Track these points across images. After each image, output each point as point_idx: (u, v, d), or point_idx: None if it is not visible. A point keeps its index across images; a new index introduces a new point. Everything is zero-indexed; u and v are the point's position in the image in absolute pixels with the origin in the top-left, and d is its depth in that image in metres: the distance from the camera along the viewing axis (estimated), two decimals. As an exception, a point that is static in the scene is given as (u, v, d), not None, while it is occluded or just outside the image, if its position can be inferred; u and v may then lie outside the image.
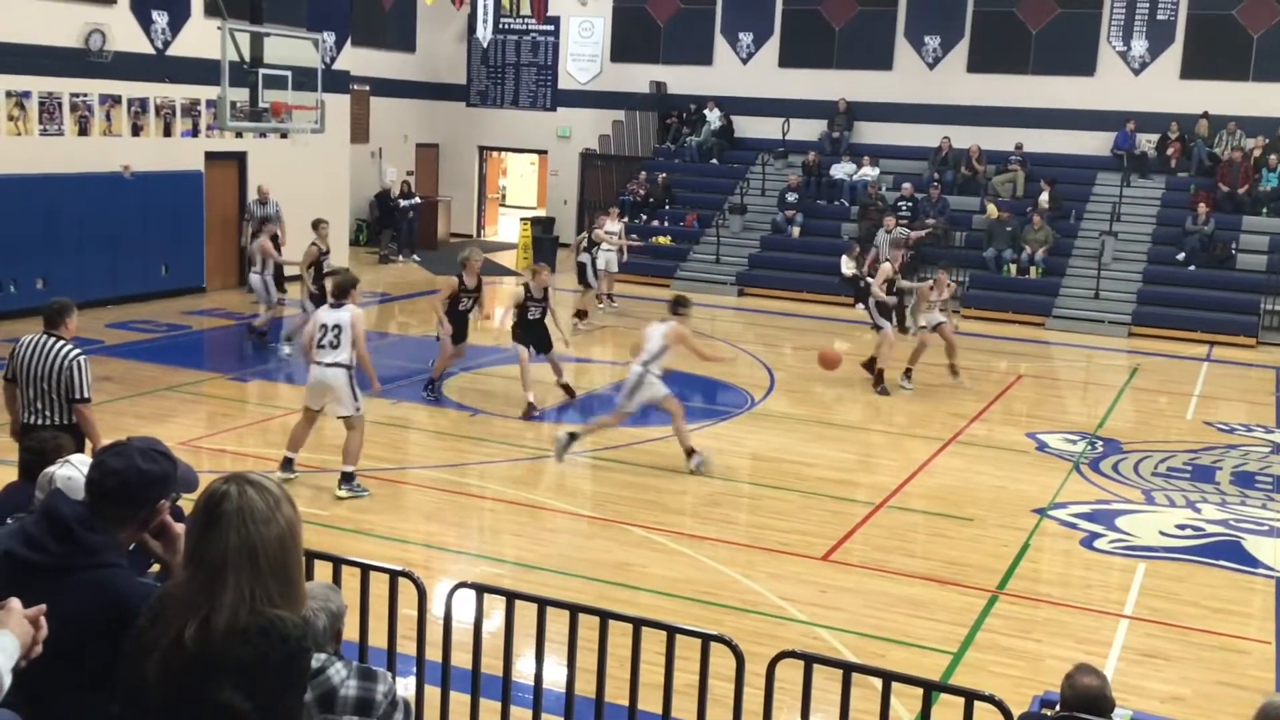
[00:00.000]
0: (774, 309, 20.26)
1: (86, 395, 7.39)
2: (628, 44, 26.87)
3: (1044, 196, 21.78)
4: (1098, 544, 9.39)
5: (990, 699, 4.50)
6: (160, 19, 18.27)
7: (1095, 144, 23.09)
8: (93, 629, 2.80)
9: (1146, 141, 22.65)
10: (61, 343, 7.38)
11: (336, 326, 9.47)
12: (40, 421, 7.24)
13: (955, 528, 9.68)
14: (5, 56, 15.96)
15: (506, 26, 27.16)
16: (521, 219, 26.09)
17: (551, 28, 27.23)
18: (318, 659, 2.77)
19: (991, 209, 21.79)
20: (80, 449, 6.33)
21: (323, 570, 5.28)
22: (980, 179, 22.93)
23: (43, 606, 2.62)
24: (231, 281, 19.52)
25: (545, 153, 28.60)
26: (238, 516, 2.52)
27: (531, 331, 12.85)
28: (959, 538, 9.43)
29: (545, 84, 27.89)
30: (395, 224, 24.93)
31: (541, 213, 28.87)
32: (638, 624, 5.07)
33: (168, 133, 18.60)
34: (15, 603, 2.58)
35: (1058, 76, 23.22)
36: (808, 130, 24.85)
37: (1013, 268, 21.01)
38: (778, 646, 5.33)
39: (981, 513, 10.00)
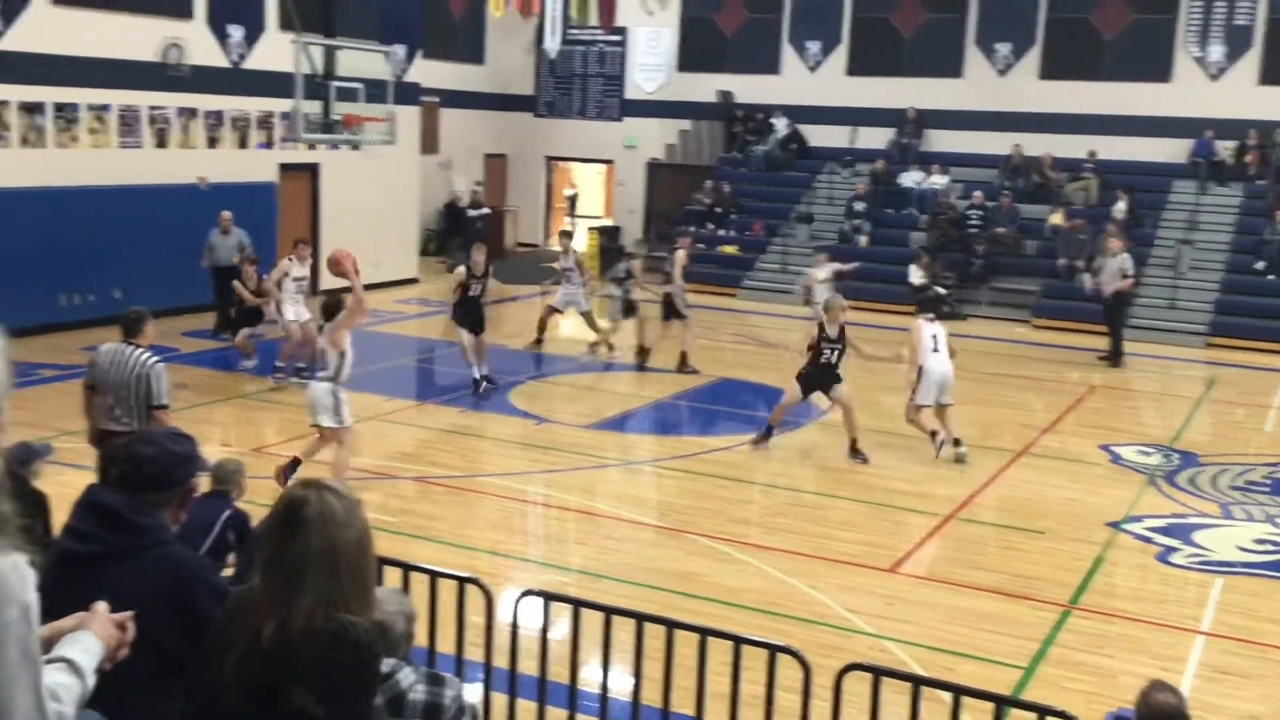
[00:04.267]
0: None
1: (165, 401, 7.54)
2: (695, 53, 26.87)
3: (1120, 205, 21.38)
4: (1174, 558, 9.21)
5: (1063, 715, 4.44)
6: (236, 33, 18.62)
7: (1170, 151, 22.66)
8: (159, 606, 2.86)
9: (1225, 148, 22.20)
10: (139, 350, 7.53)
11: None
12: (119, 428, 7.40)
13: (1027, 540, 9.54)
14: (86, 70, 16.36)
15: (574, 37, 27.30)
16: (589, 228, 26.22)
17: (619, 38, 27.32)
18: (387, 664, 2.80)
19: (1055, 217, 21.44)
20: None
21: (392, 576, 5.34)
22: (1052, 187, 22.61)
23: (130, 613, 2.67)
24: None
25: (611, 162, 28.69)
26: (319, 521, 2.56)
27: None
28: (1030, 551, 9.29)
29: (612, 94, 27.98)
30: (464, 233, 25.17)
31: (608, 222, 28.97)
32: (704, 634, 5.06)
33: (243, 144, 18.94)
34: (101, 605, 2.64)
35: (1132, 83, 22.82)
36: (876, 138, 24.68)
37: (1086, 277, 20.66)
38: (845, 659, 5.30)
39: (1054, 526, 9.84)
